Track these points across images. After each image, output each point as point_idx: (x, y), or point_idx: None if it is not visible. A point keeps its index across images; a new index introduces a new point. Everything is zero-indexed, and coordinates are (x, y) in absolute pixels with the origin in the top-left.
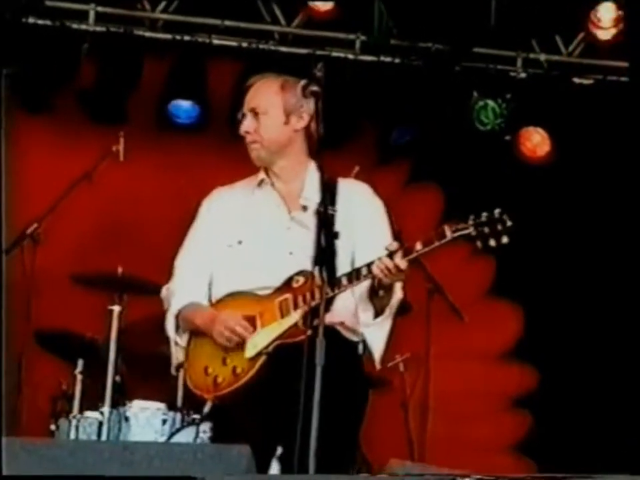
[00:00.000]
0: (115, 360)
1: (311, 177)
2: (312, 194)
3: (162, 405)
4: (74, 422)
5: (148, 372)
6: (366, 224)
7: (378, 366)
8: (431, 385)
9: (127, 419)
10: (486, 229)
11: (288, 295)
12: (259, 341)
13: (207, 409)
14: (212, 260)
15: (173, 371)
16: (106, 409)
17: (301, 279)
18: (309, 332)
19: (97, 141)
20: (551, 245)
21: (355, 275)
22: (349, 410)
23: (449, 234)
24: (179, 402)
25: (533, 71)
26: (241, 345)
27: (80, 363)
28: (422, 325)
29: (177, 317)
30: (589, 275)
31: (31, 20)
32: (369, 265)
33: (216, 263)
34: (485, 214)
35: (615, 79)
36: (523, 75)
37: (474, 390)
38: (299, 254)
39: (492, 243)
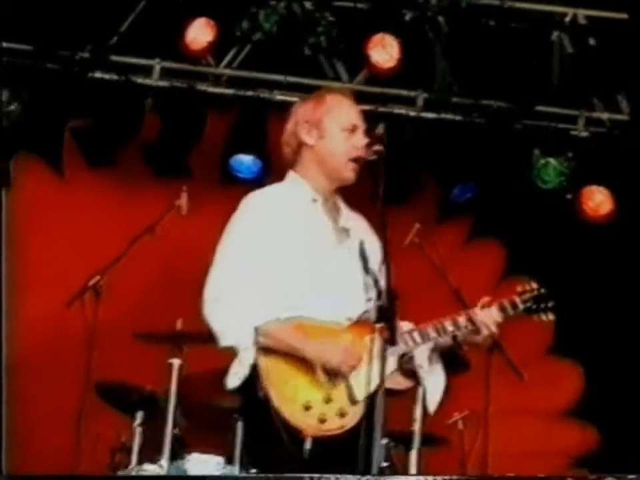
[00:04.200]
0: (174, 412)
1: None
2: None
3: (221, 459)
4: (132, 474)
5: (207, 425)
6: (378, 262)
7: (431, 412)
8: (490, 443)
9: (185, 472)
10: (542, 305)
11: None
12: (364, 383)
13: (308, 445)
14: (269, 270)
15: (229, 384)
16: (164, 461)
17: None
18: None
19: (160, 195)
20: (612, 304)
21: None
22: None
23: (520, 306)
24: (237, 455)
25: (595, 130)
26: (337, 381)
27: (139, 415)
28: (481, 382)
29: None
30: None
31: (97, 74)
32: (454, 321)
33: (272, 274)
34: (536, 287)
35: None
36: (584, 133)
37: (533, 449)
38: (352, 286)
39: (543, 317)
